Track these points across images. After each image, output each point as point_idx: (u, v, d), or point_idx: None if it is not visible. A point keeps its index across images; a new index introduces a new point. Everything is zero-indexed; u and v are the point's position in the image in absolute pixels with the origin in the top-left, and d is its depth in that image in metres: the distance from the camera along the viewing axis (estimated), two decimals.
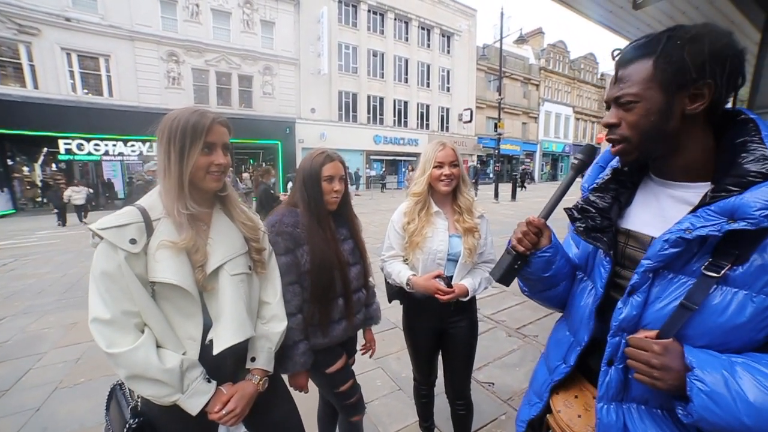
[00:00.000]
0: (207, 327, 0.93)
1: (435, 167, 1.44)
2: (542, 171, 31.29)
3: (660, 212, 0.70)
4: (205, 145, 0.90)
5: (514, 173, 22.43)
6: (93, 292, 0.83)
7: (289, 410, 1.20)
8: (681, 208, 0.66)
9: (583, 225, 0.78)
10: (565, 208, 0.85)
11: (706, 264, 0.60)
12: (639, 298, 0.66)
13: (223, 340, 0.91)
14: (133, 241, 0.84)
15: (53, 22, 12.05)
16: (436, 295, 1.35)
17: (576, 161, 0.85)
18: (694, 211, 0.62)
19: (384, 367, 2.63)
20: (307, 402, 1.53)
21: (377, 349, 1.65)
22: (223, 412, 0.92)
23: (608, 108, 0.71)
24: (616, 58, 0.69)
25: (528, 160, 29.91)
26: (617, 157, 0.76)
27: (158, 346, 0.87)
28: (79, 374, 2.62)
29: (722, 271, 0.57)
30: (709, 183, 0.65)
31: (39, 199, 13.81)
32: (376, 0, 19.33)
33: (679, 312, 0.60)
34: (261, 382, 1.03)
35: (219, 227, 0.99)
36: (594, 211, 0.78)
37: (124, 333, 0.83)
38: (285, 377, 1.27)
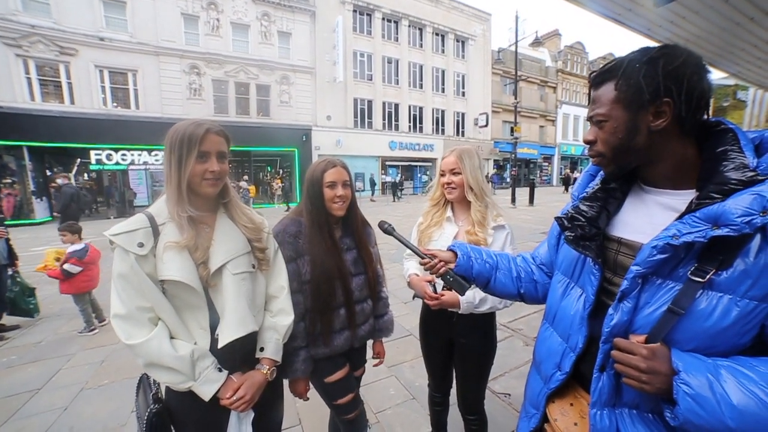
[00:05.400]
0: (214, 321, 1.00)
1: (440, 174, 1.48)
2: (560, 175, 30.50)
3: (649, 219, 0.72)
4: (199, 154, 0.96)
5: (532, 177, 21.92)
6: (113, 291, 0.92)
7: (282, 410, 1.28)
8: (668, 215, 0.68)
9: (573, 234, 0.79)
10: (556, 217, 0.87)
11: (692, 269, 0.61)
12: (629, 304, 0.66)
13: (225, 335, 0.98)
14: (140, 245, 0.92)
15: (89, 42, 12.92)
16: (425, 300, 1.35)
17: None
18: (680, 217, 0.64)
19: (398, 375, 2.57)
20: (320, 410, 1.53)
21: (391, 358, 1.63)
22: (234, 398, 0.98)
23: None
24: (592, 81, 0.73)
25: (543, 163, 28.98)
26: None
27: (172, 338, 0.95)
28: (104, 376, 2.73)
29: (707, 276, 0.58)
30: (694, 190, 0.66)
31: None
32: (390, 8, 19.60)
33: (667, 316, 0.61)
34: (269, 371, 1.08)
35: (222, 230, 1.06)
36: (583, 219, 0.79)
37: (139, 326, 0.92)
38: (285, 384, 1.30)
